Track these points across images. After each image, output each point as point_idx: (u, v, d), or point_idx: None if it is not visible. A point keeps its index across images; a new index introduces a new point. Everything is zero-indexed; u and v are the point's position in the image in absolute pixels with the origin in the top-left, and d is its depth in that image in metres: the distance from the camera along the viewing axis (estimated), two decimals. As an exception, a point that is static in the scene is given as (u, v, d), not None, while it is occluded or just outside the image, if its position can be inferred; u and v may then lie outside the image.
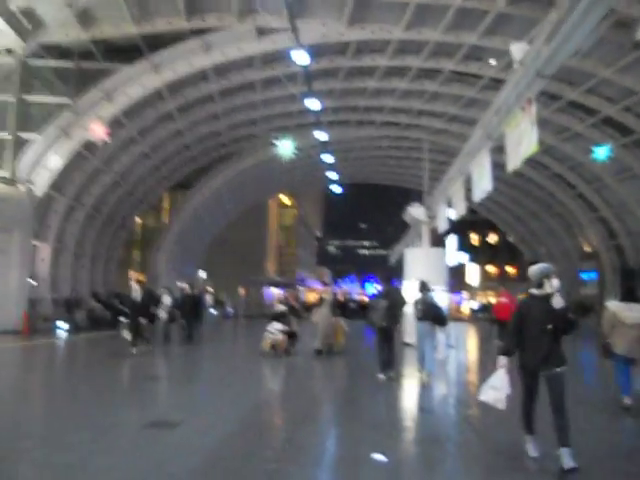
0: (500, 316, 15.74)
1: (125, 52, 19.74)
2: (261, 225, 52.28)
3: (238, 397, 8.10)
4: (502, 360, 5.24)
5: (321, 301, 13.91)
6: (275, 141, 18.16)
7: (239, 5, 18.07)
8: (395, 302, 9.92)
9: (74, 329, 20.01)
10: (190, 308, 15.36)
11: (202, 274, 46.56)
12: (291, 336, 13.47)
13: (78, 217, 23.57)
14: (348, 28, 19.27)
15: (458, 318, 40.94)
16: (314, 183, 51.52)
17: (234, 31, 19.13)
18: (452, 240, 55.17)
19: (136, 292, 13.14)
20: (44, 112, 19.62)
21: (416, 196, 22.72)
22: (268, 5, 18.29)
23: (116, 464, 4.87)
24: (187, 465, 4.88)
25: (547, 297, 5.17)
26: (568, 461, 4.76)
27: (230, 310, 40.01)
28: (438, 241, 26.44)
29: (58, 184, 20.89)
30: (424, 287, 10.29)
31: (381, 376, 9.81)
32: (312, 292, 58.93)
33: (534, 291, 5.31)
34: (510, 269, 59.97)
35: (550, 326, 5.09)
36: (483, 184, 8.98)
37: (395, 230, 57.32)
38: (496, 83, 20.67)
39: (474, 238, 62.68)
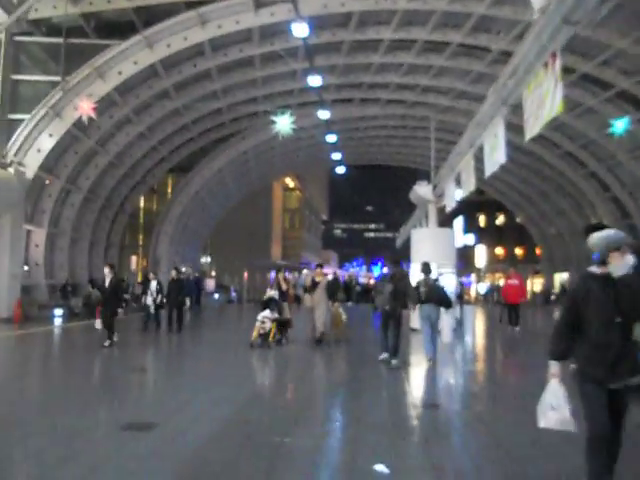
0: (510, 299, 15.33)
1: (117, 27, 18.92)
2: (266, 208, 51.76)
3: (220, 394, 7.24)
4: (553, 367, 3.84)
5: (314, 284, 12.36)
6: (273, 117, 17.26)
7: (235, -25, 17.16)
8: (401, 286, 9.68)
9: (70, 316, 19.44)
10: (176, 295, 14.36)
11: (205, 258, 46.08)
12: (283, 324, 12.41)
13: (74, 201, 22.89)
14: (350, -3, 18.32)
15: (466, 301, 40.14)
16: (318, 164, 50.71)
17: (231, 3, 18.24)
18: (459, 221, 54.42)
19: (108, 278, 11.80)
20: (34, 92, 18.83)
21: (423, 177, 21.82)
22: (265, -26, 17.38)
23: (82, 476, 4.20)
24: (158, 476, 4.21)
25: (613, 278, 3.71)
26: None
27: (234, 295, 39.51)
28: (445, 223, 25.62)
29: (51, 166, 20.19)
30: (427, 268, 10.03)
31: (383, 355, 9.89)
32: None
33: (595, 269, 3.85)
34: (518, 251, 59.23)
35: (620, 319, 3.64)
36: (496, 156, 8.16)
37: (402, 212, 56.53)
38: (506, 57, 19.74)
39: (481, 219, 61.87)
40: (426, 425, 5.92)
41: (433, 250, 15.32)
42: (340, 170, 41.65)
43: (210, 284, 40.34)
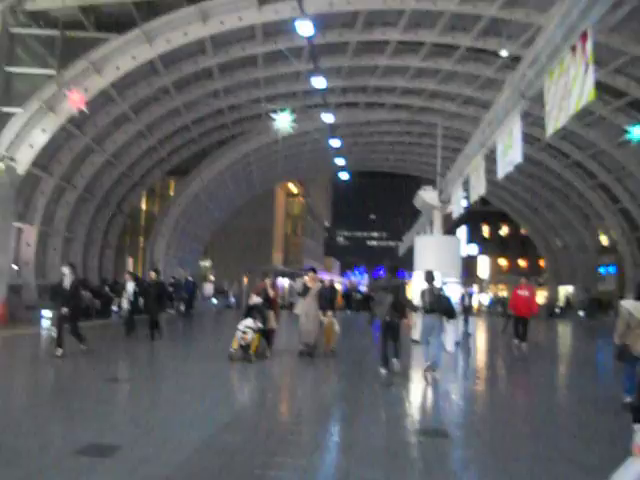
0: (519, 311, 14.13)
1: (117, 21, 18.30)
2: (268, 214, 51.28)
3: (193, 414, 6.40)
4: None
5: (305, 290, 11.37)
6: (272, 114, 16.63)
7: (238, -31, 16.58)
8: (399, 295, 9.51)
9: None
10: (154, 298, 13.19)
11: (204, 262, 45.43)
12: (267, 334, 11.22)
13: (69, 199, 22.23)
14: (357, -5, 17.72)
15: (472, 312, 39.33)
16: (322, 170, 50.08)
17: (233, -2, 17.64)
18: (462, 231, 53.74)
19: (67, 278, 10.55)
20: (30, 85, 18.22)
21: (428, 185, 21.17)
22: (270, -31, 16.79)
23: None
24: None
25: None
26: None
27: (232, 300, 38.75)
28: (448, 233, 24.91)
29: (44, 163, 19.56)
30: (431, 277, 9.79)
31: (383, 371, 9.50)
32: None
33: None
34: (521, 262, 58.72)
35: None
36: (511, 155, 7.46)
37: (405, 222, 55.95)
38: (516, 62, 19.11)
39: (485, 230, 61.35)
40: (428, 455, 5.19)
41: (437, 258, 14.61)
42: (344, 176, 40.99)
43: (208, 288, 39.62)
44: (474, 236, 59.29)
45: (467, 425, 6.61)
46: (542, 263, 50.71)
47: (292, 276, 42.74)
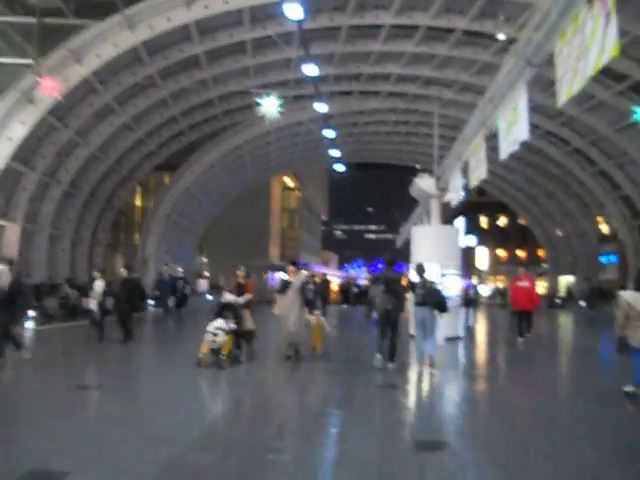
0: (519, 305, 13.28)
1: (96, 7, 17.51)
2: (264, 208, 50.65)
3: (154, 432, 5.55)
4: None
5: (285, 285, 10.05)
6: (259, 99, 15.90)
7: (222, -51, 15.79)
8: (396, 287, 9.36)
9: (44, 318, 18.01)
10: (126, 297, 11.98)
11: (199, 258, 44.74)
12: (245, 337, 9.96)
13: (53, 195, 21.50)
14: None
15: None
16: (317, 163, 49.37)
17: (218, -19, 16.88)
18: (460, 223, 53.09)
19: (4, 278, 8.92)
20: (6, 75, 17.45)
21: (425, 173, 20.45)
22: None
23: None
24: None
25: None
26: None
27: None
28: (447, 223, 24.20)
29: (25, 157, 18.80)
30: (421, 269, 9.70)
31: (378, 356, 9.36)
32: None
33: None
34: (520, 253, 58.41)
35: None
36: (516, 132, 6.74)
37: (403, 214, 55.34)
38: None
39: (483, 221, 61.02)
40: (428, 475, 4.51)
41: (435, 249, 13.89)
42: (339, 168, 40.22)
43: (203, 285, 38.98)
44: (472, 227, 58.75)
45: (471, 435, 5.88)
46: (541, 253, 50.20)
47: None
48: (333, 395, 7.89)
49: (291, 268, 10.21)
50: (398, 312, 9.38)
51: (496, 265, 59.41)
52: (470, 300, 20.39)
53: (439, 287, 10.03)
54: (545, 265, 47.69)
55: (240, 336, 9.81)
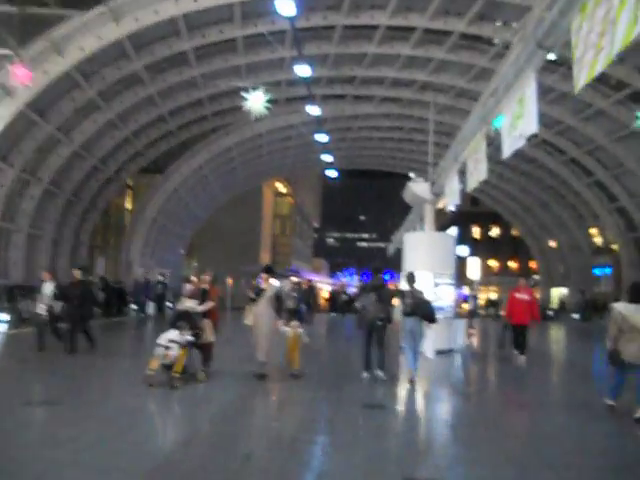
0: (516, 318, 12.21)
1: (81, -2, 16.81)
2: (255, 213, 50.05)
3: (89, 465, 4.62)
4: None
5: (258, 293, 8.90)
6: (244, 94, 15.23)
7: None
8: (384, 296, 9.16)
9: (17, 322, 17.17)
10: (78, 302, 10.74)
11: (186, 262, 43.91)
12: (202, 349, 8.71)
13: (33, 193, 20.67)
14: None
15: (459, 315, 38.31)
16: (310, 169, 48.83)
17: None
18: (453, 232, 52.63)
19: None
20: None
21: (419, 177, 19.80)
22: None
23: None
24: None
25: None
26: None
27: (215, 301, 37.28)
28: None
29: (2, 152, 18.01)
30: (412, 279, 9.49)
31: (365, 375, 9.10)
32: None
33: None
34: (512, 264, 58.31)
35: None
36: (523, 127, 6.03)
37: (395, 223, 54.91)
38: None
39: (476, 231, 60.91)
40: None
41: (429, 257, 13.19)
42: (332, 173, 39.61)
43: (188, 289, 38.10)
44: (464, 237, 58.40)
45: (468, 474, 5.14)
46: (533, 264, 49.80)
47: (279, 277, 41.36)
48: (311, 418, 6.94)
49: (264, 275, 9.11)
50: (385, 322, 9.15)
51: (488, 276, 59.11)
52: (470, 312, 19.70)
53: (428, 297, 9.67)
54: (536, 276, 47.28)
55: (202, 349, 8.71)
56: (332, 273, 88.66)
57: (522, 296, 12.29)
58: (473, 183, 9.23)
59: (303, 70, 20.39)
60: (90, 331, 11.53)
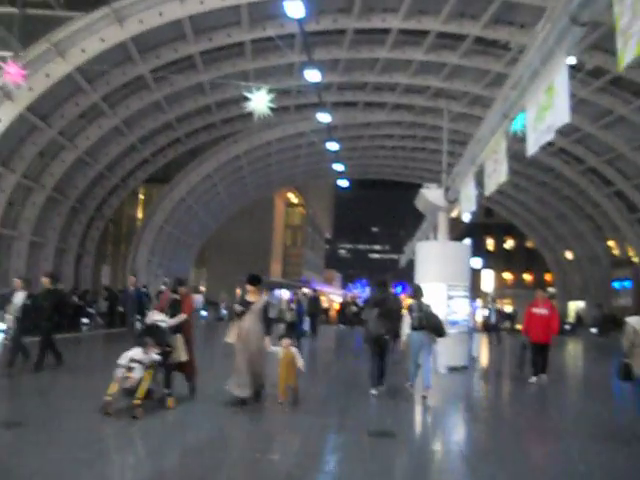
0: (536, 336, 10.96)
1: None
2: (267, 223, 49.71)
3: None
4: None
5: (245, 306, 7.64)
6: (248, 94, 14.69)
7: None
8: (390, 310, 8.91)
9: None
10: (48, 313, 9.83)
11: (195, 272, 43.48)
12: (180, 370, 7.65)
13: (36, 200, 20.24)
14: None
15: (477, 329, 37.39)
16: (321, 179, 48.30)
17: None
18: (467, 244, 51.71)
19: None
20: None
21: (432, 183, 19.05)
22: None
23: None
24: None
25: None
26: None
27: (224, 312, 36.72)
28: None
29: (2, 157, 17.58)
30: (419, 292, 9.26)
31: (373, 392, 8.87)
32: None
33: None
34: (527, 276, 57.36)
35: None
36: (551, 118, 5.27)
37: (408, 234, 54.20)
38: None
39: (490, 243, 60.05)
40: None
41: (442, 268, 12.41)
42: (343, 183, 38.99)
43: (197, 300, 37.61)
44: (478, 249, 57.50)
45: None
46: (549, 277, 48.69)
47: (290, 288, 40.84)
48: (307, 452, 5.85)
49: (250, 287, 7.76)
50: (388, 338, 9.00)
51: (502, 288, 58.08)
52: (491, 326, 18.70)
53: (436, 311, 9.34)
54: (552, 289, 46.19)
55: (171, 370, 7.43)
56: (344, 285, 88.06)
57: (540, 311, 11.03)
58: (492, 186, 8.47)
59: (313, 75, 19.81)
60: (55, 346, 10.41)
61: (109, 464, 5.39)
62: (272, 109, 23.48)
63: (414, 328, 8.94)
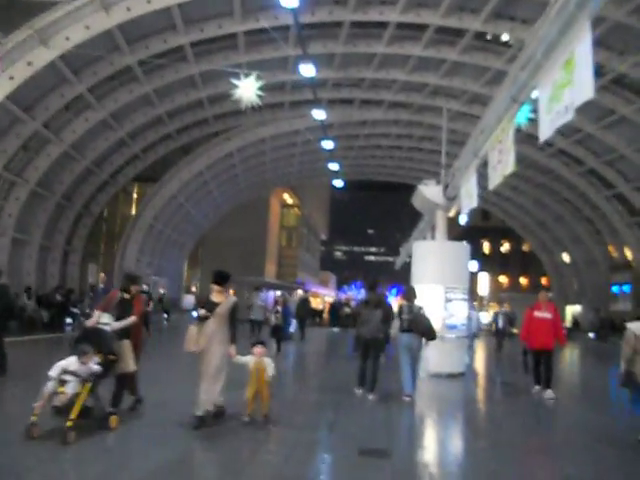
0: (538, 342, 9.95)
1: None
2: (262, 224, 49.03)
3: None
4: None
5: (210, 309, 6.45)
6: (235, 81, 14.04)
7: None
8: (387, 313, 8.68)
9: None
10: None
11: (187, 271, 42.76)
12: (124, 383, 6.41)
13: (19, 195, 19.51)
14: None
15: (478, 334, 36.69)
16: (315, 176, 47.57)
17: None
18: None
19: None
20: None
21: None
22: None
23: None
24: None
25: None
26: None
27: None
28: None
29: (-18, 149, 16.90)
30: (412, 293, 9.12)
31: (358, 391, 8.80)
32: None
33: None
34: (523, 280, 57.14)
35: None
36: (571, 96, 4.54)
37: (404, 236, 53.65)
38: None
39: (486, 246, 59.80)
40: None
41: (440, 269, 11.77)
42: (338, 183, 38.36)
43: (188, 300, 37.02)
44: (474, 252, 57.11)
45: None
46: (545, 281, 48.21)
47: (285, 290, 40.21)
48: (288, 476, 4.99)
49: (215, 287, 6.64)
50: (379, 341, 8.71)
51: (497, 292, 57.71)
52: (499, 332, 17.97)
53: (428, 313, 9.10)
54: (548, 293, 45.72)
55: (123, 385, 6.39)
56: (339, 287, 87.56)
57: (543, 314, 10.02)
58: (497, 178, 7.78)
59: (308, 70, 19.16)
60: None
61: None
62: (266, 105, 22.95)
63: (403, 330, 8.77)
